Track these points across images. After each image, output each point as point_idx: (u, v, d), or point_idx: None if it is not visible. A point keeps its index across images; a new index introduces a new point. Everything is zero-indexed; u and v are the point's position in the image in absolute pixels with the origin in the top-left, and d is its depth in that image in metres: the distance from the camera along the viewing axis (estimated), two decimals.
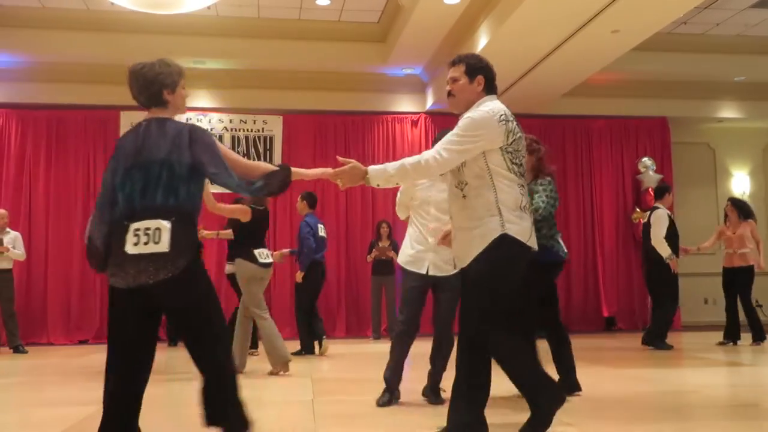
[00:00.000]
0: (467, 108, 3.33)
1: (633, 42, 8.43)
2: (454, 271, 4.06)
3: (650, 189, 11.07)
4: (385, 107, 11.09)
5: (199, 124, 10.59)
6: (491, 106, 3.26)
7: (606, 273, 11.20)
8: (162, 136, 2.91)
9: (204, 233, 7.00)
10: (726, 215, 8.67)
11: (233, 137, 10.67)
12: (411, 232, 4.53)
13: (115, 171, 2.92)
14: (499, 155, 3.19)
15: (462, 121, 3.25)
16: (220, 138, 10.65)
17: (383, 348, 8.69)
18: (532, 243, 3.26)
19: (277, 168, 3.07)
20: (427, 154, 3.23)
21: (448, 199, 3.41)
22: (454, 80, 3.39)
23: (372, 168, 3.27)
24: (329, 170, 3.33)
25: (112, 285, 2.83)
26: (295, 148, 10.79)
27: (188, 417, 4.30)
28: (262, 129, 10.76)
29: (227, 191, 3.30)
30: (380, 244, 9.95)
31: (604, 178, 11.41)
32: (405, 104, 11.13)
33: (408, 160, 3.26)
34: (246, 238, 6.26)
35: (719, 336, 8.46)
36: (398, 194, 4.68)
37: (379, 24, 10.02)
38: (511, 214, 3.18)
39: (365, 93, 10.83)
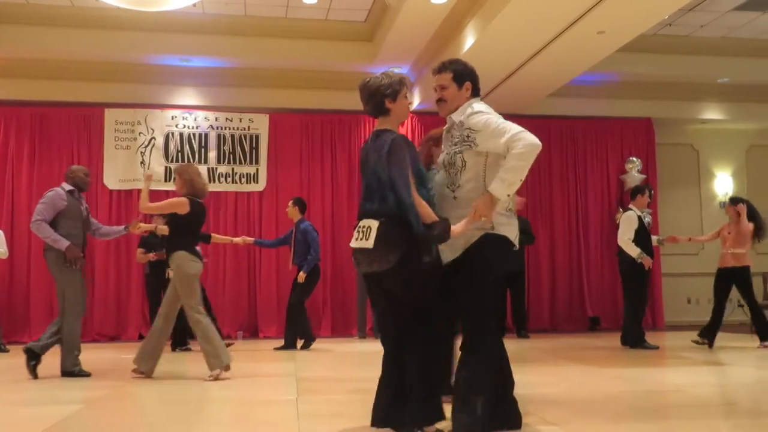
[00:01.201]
0: (452, 113, 3.53)
1: (618, 43, 8.48)
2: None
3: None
4: None
5: (184, 121, 10.56)
6: (481, 105, 3.48)
7: (590, 273, 11.25)
8: (374, 148, 3.35)
9: (140, 226, 6.85)
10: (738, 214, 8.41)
11: (219, 135, 10.63)
12: None
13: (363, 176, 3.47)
14: (497, 162, 3.31)
15: (475, 121, 3.37)
16: (206, 136, 10.61)
17: (368, 347, 8.73)
18: (516, 242, 3.45)
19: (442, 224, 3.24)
20: (517, 145, 3.22)
21: (437, 200, 3.45)
22: (443, 88, 3.52)
23: (491, 187, 3.26)
24: (469, 219, 3.28)
25: None
26: (282, 146, 10.77)
27: (171, 416, 4.29)
28: (248, 127, 10.72)
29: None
30: None
31: (589, 179, 11.46)
32: None
33: (510, 160, 3.22)
34: (185, 232, 6.02)
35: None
36: None
37: (366, 23, 10.02)
38: (499, 216, 3.35)
39: (352, 92, 10.57)
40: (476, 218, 3.24)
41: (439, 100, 3.55)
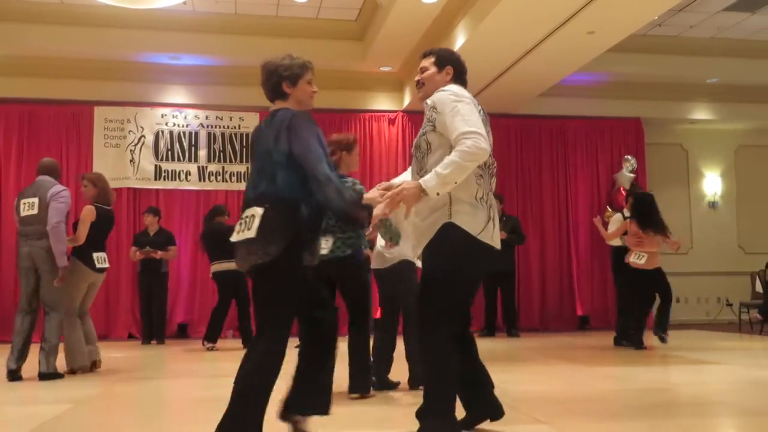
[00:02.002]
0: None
1: (608, 43, 8.51)
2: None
3: (621, 188, 11.17)
4: (363, 105, 11.08)
5: (174, 120, 10.52)
6: (458, 88, 3.24)
7: (580, 272, 11.28)
8: (269, 128, 3.00)
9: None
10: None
11: (209, 134, 10.60)
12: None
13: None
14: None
15: (440, 99, 3.13)
16: (196, 134, 10.58)
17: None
18: (487, 238, 3.10)
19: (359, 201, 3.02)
20: (466, 142, 2.94)
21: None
22: (423, 70, 3.39)
23: (424, 179, 2.98)
24: (387, 197, 3.03)
25: None
26: None
27: (161, 416, 4.27)
28: (239, 126, 10.69)
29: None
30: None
31: (579, 179, 11.49)
32: (382, 102, 11.13)
33: (452, 157, 2.95)
34: (87, 239, 5.97)
35: (691, 334, 8.55)
36: None
37: (357, 22, 10.01)
38: (461, 204, 3.07)
39: (342, 91, 10.80)
40: (395, 203, 2.97)
41: (417, 83, 3.43)
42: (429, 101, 3.22)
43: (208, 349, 8.23)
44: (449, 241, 3.05)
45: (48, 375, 5.69)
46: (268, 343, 2.93)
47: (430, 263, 3.15)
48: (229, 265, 8.08)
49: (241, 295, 8.41)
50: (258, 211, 2.86)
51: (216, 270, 8.44)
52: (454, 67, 3.36)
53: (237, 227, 2.95)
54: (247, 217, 2.89)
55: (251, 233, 2.83)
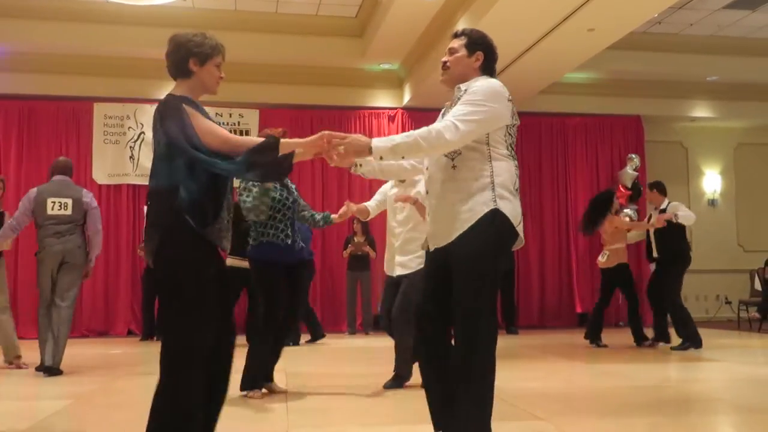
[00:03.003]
0: (456, 83, 3.00)
1: (608, 41, 8.51)
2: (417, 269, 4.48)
3: (621, 186, 11.17)
4: (362, 102, 11.07)
5: None
6: (498, 82, 2.94)
7: (579, 269, 11.29)
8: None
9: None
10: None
11: None
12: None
13: None
14: (502, 130, 2.89)
15: (475, 90, 2.87)
16: None
17: (358, 343, 8.75)
18: (521, 231, 2.91)
19: (263, 140, 2.69)
20: (438, 125, 2.78)
21: (428, 172, 2.99)
22: (452, 51, 3.03)
23: (376, 139, 2.79)
24: (326, 134, 2.82)
25: None
26: None
27: None
28: (238, 123, 10.68)
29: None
30: (356, 240, 9.95)
31: (578, 176, 11.49)
32: (382, 99, 11.12)
33: (417, 131, 2.77)
34: None
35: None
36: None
37: (357, 18, 10.00)
38: (505, 191, 2.85)
39: (342, 87, 10.80)
40: (334, 146, 2.78)
41: (444, 66, 3.05)
42: (464, 86, 2.96)
43: None
44: (494, 229, 2.80)
45: (55, 369, 5.74)
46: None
47: (468, 250, 2.78)
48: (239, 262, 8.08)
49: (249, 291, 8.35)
50: (146, 209, 2.78)
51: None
52: (485, 54, 3.01)
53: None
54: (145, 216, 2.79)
55: (144, 233, 2.76)
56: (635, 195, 11.23)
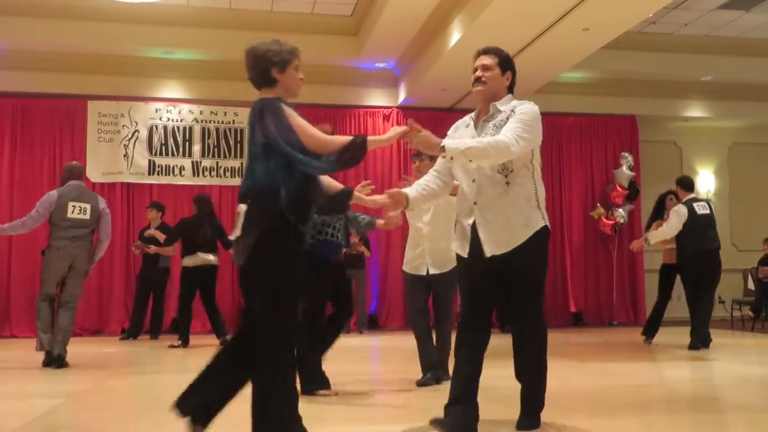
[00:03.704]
0: (489, 99, 3.37)
1: (603, 40, 8.52)
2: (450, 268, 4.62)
3: (618, 186, 11.19)
4: (358, 101, 11.06)
5: (168, 114, 10.48)
6: (537, 107, 3.36)
7: (574, 269, 11.31)
8: (249, 121, 2.93)
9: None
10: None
11: (203, 129, 10.57)
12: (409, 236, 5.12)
13: None
14: (538, 150, 3.34)
15: (525, 111, 3.27)
16: (190, 129, 10.54)
17: (352, 342, 8.73)
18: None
19: (352, 139, 2.84)
20: (503, 138, 3.14)
21: (476, 183, 3.31)
22: (487, 68, 3.37)
23: (446, 140, 3.14)
24: (405, 129, 3.09)
25: None
26: None
27: (154, 411, 4.26)
28: (233, 121, 10.66)
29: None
30: (351, 240, 9.93)
31: (573, 176, 11.51)
32: (377, 98, 11.12)
33: (485, 140, 3.16)
34: None
35: (684, 331, 8.56)
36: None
37: (352, 17, 9.99)
38: (545, 209, 3.39)
39: (337, 86, 10.79)
40: (410, 135, 3.05)
41: (478, 80, 3.38)
42: (503, 106, 3.35)
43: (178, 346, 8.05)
44: (545, 244, 3.37)
45: (63, 360, 5.96)
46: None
47: (532, 265, 3.33)
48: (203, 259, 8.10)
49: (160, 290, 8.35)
50: (242, 208, 2.84)
51: (215, 263, 8.22)
52: (513, 74, 3.45)
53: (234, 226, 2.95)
54: (237, 214, 2.87)
55: (238, 231, 2.82)
56: (632, 194, 11.25)
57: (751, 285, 10.52)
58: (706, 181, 12.26)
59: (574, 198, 11.50)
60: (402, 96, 10.76)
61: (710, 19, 10.07)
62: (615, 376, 5.65)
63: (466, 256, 3.36)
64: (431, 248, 4.97)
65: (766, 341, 7.67)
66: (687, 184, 7.97)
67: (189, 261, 8.07)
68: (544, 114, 3.60)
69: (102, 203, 6.36)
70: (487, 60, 3.38)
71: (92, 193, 6.49)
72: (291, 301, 2.82)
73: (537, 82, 9.95)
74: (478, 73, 3.38)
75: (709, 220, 7.59)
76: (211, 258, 8.09)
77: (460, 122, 3.53)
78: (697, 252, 7.48)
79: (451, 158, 3.18)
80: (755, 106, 11.77)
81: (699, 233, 7.48)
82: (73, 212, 6.11)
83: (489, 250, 3.27)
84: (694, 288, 7.57)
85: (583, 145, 11.64)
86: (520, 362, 3.43)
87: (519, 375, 3.47)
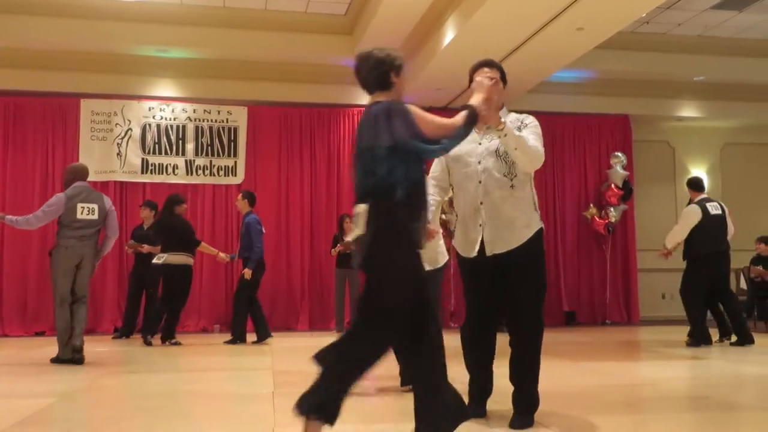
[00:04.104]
0: (495, 110, 3.44)
1: (597, 40, 8.54)
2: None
3: (613, 185, 11.21)
4: (352, 100, 11.04)
5: (162, 113, 10.45)
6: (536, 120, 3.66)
7: (567, 268, 11.34)
8: (367, 120, 3.04)
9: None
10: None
11: (197, 127, 10.55)
12: None
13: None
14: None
15: (535, 124, 3.60)
16: (184, 128, 10.52)
17: None
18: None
19: (467, 115, 3.04)
20: (535, 143, 3.44)
21: (482, 185, 3.48)
22: (494, 80, 3.52)
23: (510, 126, 3.37)
24: (489, 83, 3.34)
25: None
26: (260, 139, 10.71)
27: (146, 410, 4.26)
28: (227, 120, 10.64)
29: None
30: (344, 239, 9.91)
31: (566, 175, 11.54)
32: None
33: (535, 140, 3.46)
34: None
35: (675, 330, 8.61)
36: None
37: (346, 16, 9.98)
38: (539, 212, 3.63)
39: (331, 85, 10.78)
40: (488, 98, 3.23)
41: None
42: (514, 117, 3.63)
43: (172, 344, 8.10)
44: (542, 244, 3.55)
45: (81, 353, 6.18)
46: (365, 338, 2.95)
47: (534, 262, 3.50)
48: (185, 259, 8.21)
49: (183, 289, 8.40)
50: (362, 207, 2.94)
51: (175, 262, 8.21)
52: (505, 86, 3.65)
53: (353, 226, 3.04)
54: (356, 214, 2.97)
55: (360, 230, 2.93)
56: (626, 194, 11.28)
57: (743, 284, 10.55)
58: None
59: (567, 197, 11.52)
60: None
61: (703, 19, 10.10)
62: (607, 375, 5.67)
63: (473, 256, 3.50)
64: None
65: (758, 340, 7.70)
66: (697, 184, 8.03)
67: (178, 259, 8.14)
68: (537, 113, 3.71)
69: (108, 202, 6.55)
70: (494, 73, 3.56)
71: (98, 192, 6.64)
72: (411, 296, 2.94)
73: (530, 81, 9.97)
74: (490, 82, 3.50)
75: (722, 220, 7.62)
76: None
77: None
78: (712, 252, 7.51)
79: (505, 135, 3.34)
80: (748, 107, 11.81)
81: (713, 233, 7.52)
82: (82, 213, 6.30)
83: (490, 249, 3.46)
84: (704, 289, 7.57)
85: (577, 145, 11.67)
86: (516, 361, 3.53)
87: (513, 374, 3.55)
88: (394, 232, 2.90)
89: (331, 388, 2.86)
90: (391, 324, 2.91)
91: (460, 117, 3.04)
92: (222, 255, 8.80)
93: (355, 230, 2.95)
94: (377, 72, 3.13)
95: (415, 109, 3.03)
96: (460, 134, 3.02)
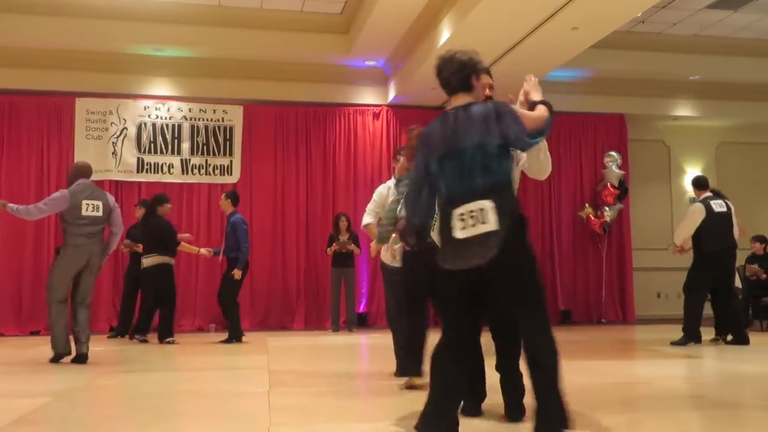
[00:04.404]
0: None
1: (592, 39, 8.55)
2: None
3: (609, 184, 11.22)
4: (347, 99, 11.06)
5: (157, 112, 10.44)
6: None
7: (563, 267, 11.35)
8: (468, 120, 3.09)
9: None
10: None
11: (192, 126, 10.53)
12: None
13: (426, 160, 3.14)
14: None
15: None
16: (179, 127, 10.50)
17: (342, 340, 8.73)
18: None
19: (549, 106, 3.28)
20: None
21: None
22: (492, 87, 3.73)
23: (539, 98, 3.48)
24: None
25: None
26: (256, 138, 10.70)
27: (142, 409, 4.25)
28: (222, 119, 10.63)
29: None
30: (340, 238, 9.91)
31: (561, 174, 11.55)
32: (367, 96, 11.11)
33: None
34: None
35: (671, 329, 8.62)
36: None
37: (342, 15, 9.98)
38: None
39: (327, 84, 10.78)
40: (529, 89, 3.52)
41: (491, 98, 3.70)
42: None
43: (167, 342, 8.12)
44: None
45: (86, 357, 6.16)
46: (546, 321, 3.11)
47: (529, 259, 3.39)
48: (165, 259, 8.27)
49: (171, 291, 8.45)
50: (487, 204, 2.93)
51: (156, 263, 8.29)
52: None
53: (460, 224, 2.96)
54: (473, 211, 2.94)
55: (490, 226, 2.90)
56: (622, 193, 11.30)
57: (738, 283, 10.57)
58: None
59: (563, 196, 11.53)
60: (392, 94, 10.76)
61: (698, 19, 10.13)
62: (603, 373, 5.68)
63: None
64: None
65: (754, 338, 7.72)
66: (701, 182, 8.03)
67: (159, 260, 8.29)
68: None
69: (111, 199, 6.56)
70: (491, 80, 3.75)
71: (101, 190, 6.63)
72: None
73: None
74: (489, 92, 3.72)
75: (727, 218, 7.61)
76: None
77: None
78: (719, 250, 7.50)
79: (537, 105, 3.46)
80: (743, 106, 11.84)
81: (718, 231, 7.50)
82: (87, 210, 6.27)
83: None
84: (708, 287, 7.57)
85: (572, 144, 11.69)
86: (513, 354, 3.59)
87: (502, 366, 3.65)
88: (522, 225, 3.08)
89: (561, 394, 3.01)
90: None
91: (544, 109, 3.24)
92: (203, 251, 8.84)
93: (478, 226, 2.92)
94: (461, 75, 3.23)
95: (517, 108, 3.23)
96: (550, 123, 3.19)
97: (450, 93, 3.25)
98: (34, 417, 3.93)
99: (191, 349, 7.86)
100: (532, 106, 3.29)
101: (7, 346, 8.07)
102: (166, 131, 10.45)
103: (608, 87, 11.33)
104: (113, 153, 10.22)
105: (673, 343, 7.40)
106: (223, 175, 10.54)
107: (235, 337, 8.24)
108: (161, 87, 10.43)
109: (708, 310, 7.74)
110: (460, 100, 3.20)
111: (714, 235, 7.51)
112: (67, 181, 6.57)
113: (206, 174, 10.52)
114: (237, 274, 8.19)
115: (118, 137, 10.27)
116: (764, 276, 9.75)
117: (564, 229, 11.46)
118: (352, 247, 9.90)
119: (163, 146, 10.40)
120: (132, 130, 10.32)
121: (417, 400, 4.19)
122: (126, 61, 10.14)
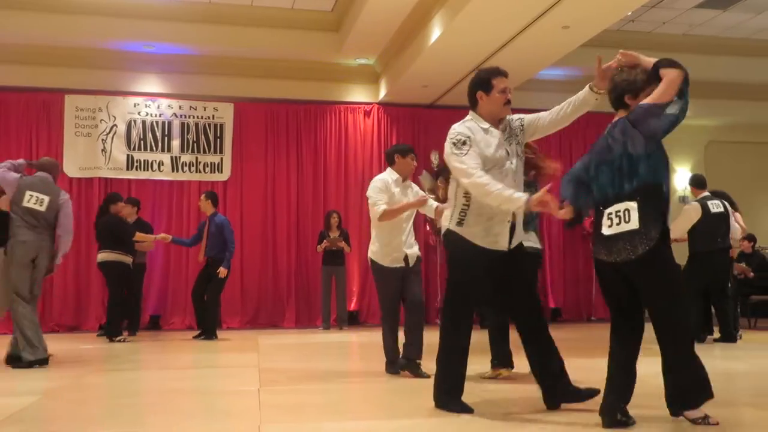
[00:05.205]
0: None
1: (583, 38, 8.58)
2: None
3: None
4: (338, 97, 11.05)
5: (147, 109, 10.39)
6: None
7: (553, 265, 11.39)
8: (617, 137, 3.47)
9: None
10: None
11: (183, 124, 10.49)
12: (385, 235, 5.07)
13: (588, 164, 3.68)
14: None
15: None
16: (169, 124, 10.46)
17: (333, 338, 8.73)
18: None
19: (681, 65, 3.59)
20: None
21: (517, 183, 3.99)
22: (511, 91, 4.04)
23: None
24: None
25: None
26: (246, 136, 10.67)
27: (131, 407, 4.24)
28: (213, 116, 10.60)
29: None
30: (330, 235, 9.91)
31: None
32: (358, 94, 11.10)
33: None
34: None
35: None
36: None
37: (333, 13, 9.97)
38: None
39: (318, 82, 10.77)
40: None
41: (509, 102, 4.08)
42: (512, 123, 4.12)
43: (119, 340, 8.12)
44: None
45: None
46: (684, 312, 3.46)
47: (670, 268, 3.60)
48: (121, 257, 8.33)
49: (135, 286, 8.62)
50: (632, 204, 3.25)
51: (106, 259, 8.34)
52: None
53: (606, 222, 3.34)
54: (619, 211, 3.29)
55: (632, 225, 3.21)
56: None
57: None
58: (683, 179, 12.38)
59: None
60: (383, 92, 10.75)
61: (687, 18, 10.18)
62: (592, 371, 5.67)
63: (506, 249, 3.83)
64: (408, 241, 5.19)
65: (744, 336, 7.77)
66: (699, 182, 8.01)
67: (113, 257, 8.36)
68: (523, 111, 3.81)
69: (63, 199, 6.14)
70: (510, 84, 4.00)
71: (56, 188, 6.21)
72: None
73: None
74: (510, 96, 4.07)
75: (723, 219, 7.58)
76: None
77: (473, 127, 3.96)
78: (709, 251, 7.49)
79: (596, 99, 4.14)
80: (732, 105, 11.91)
81: (710, 231, 7.49)
82: (28, 201, 5.90)
83: (513, 242, 3.90)
84: (699, 287, 7.55)
85: (563, 143, 11.72)
86: (541, 349, 4.08)
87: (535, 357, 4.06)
88: (666, 228, 3.26)
89: (695, 369, 3.54)
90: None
91: (675, 70, 3.66)
92: (161, 236, 8.87)
93: (622, 225, 3.25)
94: (631, 93, 3.80)
95: (654, 92, 3.57)
96: (686, 78, 3.63)
97: (615, 109, 3.79)
98: (23, 415, 3.90)
99: (181, 347, 7.84)
100: (655, 71, 3.67)
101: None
102: (156, 128, 10.41)
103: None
104: (103, 150, 10.17)
105: None
106: (214, 172, 10.51)
107: (214, 334, 8.39)
108: (151, 84, 10.39)
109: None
110: (623, 113, 3.65)
111: (705, 235, 7.51)
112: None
113: (197, 171, 10.48)
114: (223, 272, 8.31)
115: (107, 134, 10.22)
116: (752, 274, 9.81)
117: (554, 227, 11.50)
118: (343, 244, 9.90)
119: (153, 144, 10.35)
120: (122, 127, 10.27)
121: (408, 398, 4.19)
122: (116, 58, 10.09)
